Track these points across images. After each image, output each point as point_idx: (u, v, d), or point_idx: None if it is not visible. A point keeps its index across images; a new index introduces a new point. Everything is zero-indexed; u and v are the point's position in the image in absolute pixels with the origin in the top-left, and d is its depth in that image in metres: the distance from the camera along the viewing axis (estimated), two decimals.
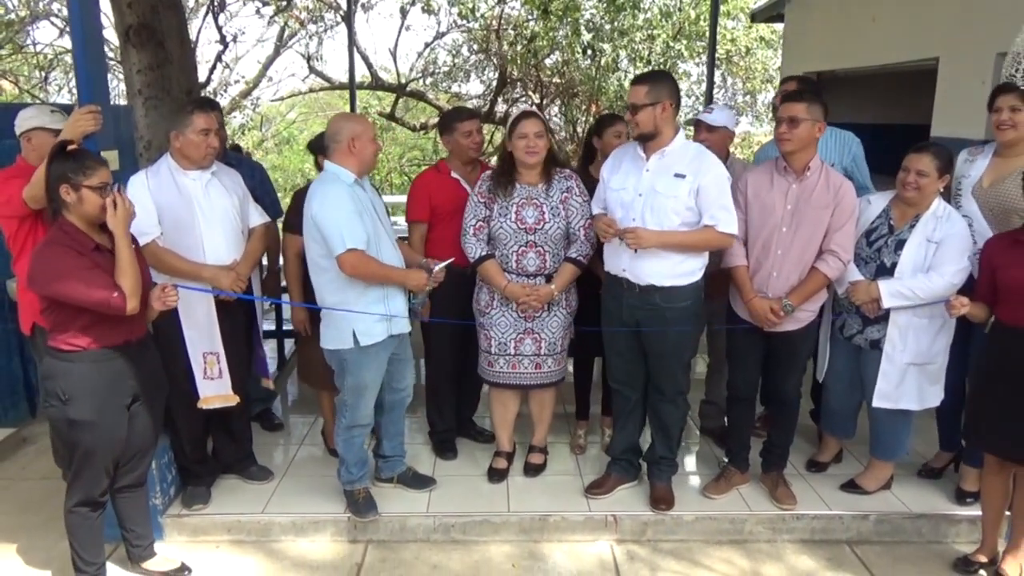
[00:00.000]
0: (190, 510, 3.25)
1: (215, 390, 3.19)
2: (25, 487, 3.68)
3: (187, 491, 3.32)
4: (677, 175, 3.02)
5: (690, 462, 3.82)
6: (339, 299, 3.02)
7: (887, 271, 3.11)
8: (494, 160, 4.40)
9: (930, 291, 3.02)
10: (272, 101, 14.62)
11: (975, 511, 3.23)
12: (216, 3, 10.17)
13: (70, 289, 2.41)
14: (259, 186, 3.86)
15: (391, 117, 12.29)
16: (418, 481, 3.44)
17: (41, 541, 3.21)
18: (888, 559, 3.17)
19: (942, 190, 3.09)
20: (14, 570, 3.05)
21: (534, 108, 4.38)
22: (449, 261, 3.15)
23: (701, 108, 3.68)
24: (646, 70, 10.95)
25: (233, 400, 3.24)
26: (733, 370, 3.41)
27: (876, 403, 3.21)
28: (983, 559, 3.07)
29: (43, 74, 10.80)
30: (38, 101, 10.38)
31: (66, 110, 3.10)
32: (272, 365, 5.14)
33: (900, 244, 3.10)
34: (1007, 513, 3.07)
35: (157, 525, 3.15)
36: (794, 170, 3.10)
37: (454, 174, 3.58)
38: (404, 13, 11.55)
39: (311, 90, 14.11)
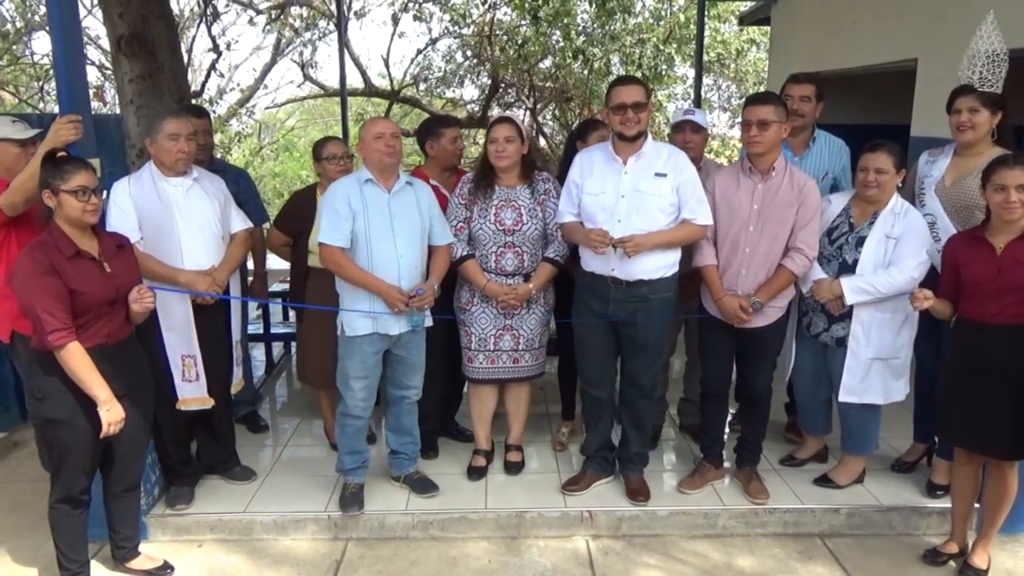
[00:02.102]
0: (174, 510, 3.32)
1: (192, 392, 3.26)
2: (14, 489, 3.75)
3: (171, 491, 3.39)
4: (658, 174, 3.12)
5: (667, 458, 3.88)
6: (340, 289, 3.23)
7: (849, 268, 3.18)
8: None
9: (891, 285, 3.08)
10: (267, 108, 14.73)
11: (945, 503, 3.29)
12: (209, 13, 10.26)
13: (30, 299, 2.49)
14: (243, 192, 3.93)
15: None
16: (421, 485, 3.47)
17: (28, 541, 3.28)
18: (859, 551, 3.22)
19: (900, 185, 3.16)
20: (2, 569, 3.11)
21: (510, 114, 4.46)
22: (424, 288, 3.16)
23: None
24: (637, 74, 11.05)
25: (209, 403, 3.30)
26: (704, 366, 3.48)
27: (842, 397, 3.28)
28: (952, 550, 3.12)
29: (40, 84, 10.91)
30: (36, 111, 10.49)
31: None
32: (260, 369, 5.22)
33: (860, 241, 3.17)
34: (976, 505, 3.13)
35: (141, 525, 3.21)
36: (759, 171, 3.17)
37: (433, 181, 3.65)
38: (396, 20, 11.67)
39: (305, 97, 14.21)
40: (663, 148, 3.21)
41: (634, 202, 3.11)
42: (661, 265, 3.17)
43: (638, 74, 11.16)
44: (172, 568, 3.07)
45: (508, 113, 4.55)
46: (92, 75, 11.86)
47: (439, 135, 3.66)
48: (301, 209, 3.68)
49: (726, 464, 3.63)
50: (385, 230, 3.12)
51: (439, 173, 3.70)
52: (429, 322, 3.31)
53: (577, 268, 3.32)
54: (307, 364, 3.85)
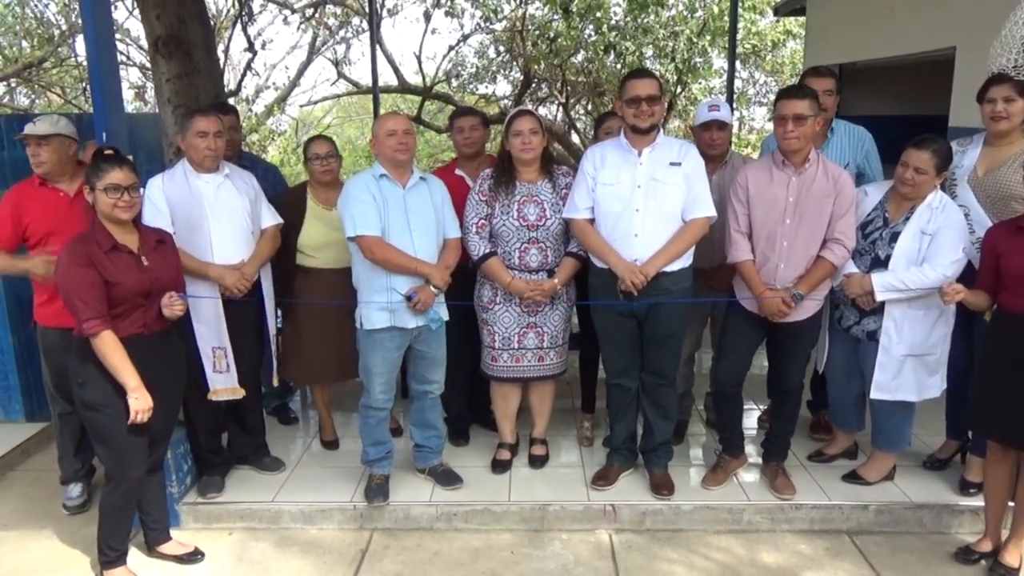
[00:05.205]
0: (205, 498, 3.40)
1: (223, 383, 3.33)
2: (54, 477, 3.84)
3: (202, 480, 3.47)
4: (672, 163, 3.14)
5: (692, 453, 3.85)
6: (358, 282, 3.26)
7: (881, 264, 3.12)
8: None
9: (923, 283, 3.01)
10: (303, 107, 14.92)
11: (978, 502, 3.22)
12: (245, 13, 10.44)
13: (68, 289, 2.62)
14: (272, 188, 3.99)
15: (418, 120, 12.46)
16: (446, 477, 3.51)
17: (68, 526, 3.40)
18: (887, 549, 3.17)
19: (937, 186, 3.09)
20: (41, 554, 3.23)
21: (531, 107, 4.47)
22: (416, 293, 3.17)
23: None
24: (671, 67, 10.95)
25: (239, 393, 3.37)
26: (720, 363, 3.44)
27: (874, 395, 3.22)
28: (985, 549, 3.06)
29: (84, 85, 11.22)
30: (80, 111, 10.79)
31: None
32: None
33: (894, 237, 3.10)
34: (1010, 503, 3.05)
35: (173, 512, 3.30)
36: (793, 163, 3.13)
37: (458, 171, 3.70)
38: (428, 17, 11.72)
39: (337, 96, 14.36)
40: (675, 140, 3.25)
41: (651, 191, 3.11)
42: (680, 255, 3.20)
43: (671, 67, 11.06)
44: (202, 554, 3.15)
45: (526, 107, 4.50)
46: (135, 76, 12.16)
47: (450, 127, 3.85)
48: (291, 206, 3.62)
49: (756, 459, 3.60)
50: (402, 225, 3.15)
51: (464, 163, 3.79)
52: (445, 315, 3.32)
53: (592, 266, 3.31)
54: (293, 360, 3.75)
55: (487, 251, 3.37)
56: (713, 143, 3.52)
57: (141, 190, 2.80)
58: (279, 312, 3.71)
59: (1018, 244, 2.77)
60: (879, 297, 3.07)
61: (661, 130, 3.19)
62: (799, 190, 3.12)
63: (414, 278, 3.17)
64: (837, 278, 3.20)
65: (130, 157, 3.06)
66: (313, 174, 3.64)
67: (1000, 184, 3.08)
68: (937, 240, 3.03)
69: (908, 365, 3.17)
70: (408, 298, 3.14)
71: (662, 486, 3.38)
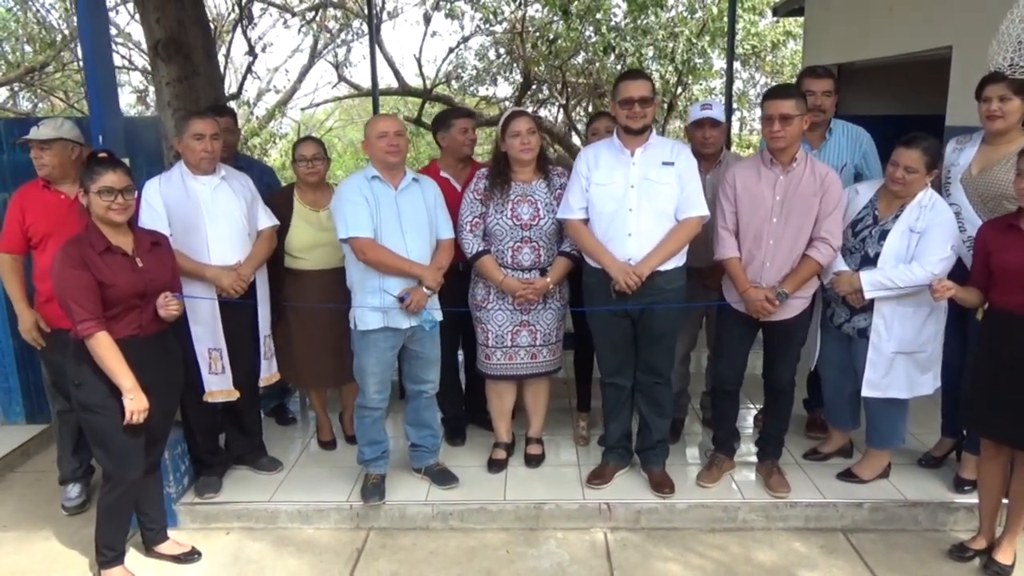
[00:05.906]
0: (202, 498, 3.42)
1: (219, 385, 3.35)
2: (54, 479, 3.86)
3: (200, 480, 3.49)
4: (665, 163, 3.17)
5: (689, 452, 3.86)
6: (352, 284, 3.28)
7: (871, 261, 3.13)
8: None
9: (911, 281, 3.02)
10: (304, 110, 14.97)
11: (973, 499, 3.22)
12: (245, 17, 10.48)
13: (63, 291, 2.64)
14: (267, 189, 4.01)
15: (418, 122, 12.49)
16: (441, 477, 3.52)
17: (67, 528, 3.43)
18: (882, 546, 3.18)
19: (929, 184, 3.09)
20: (39, 555, 3.25)
21: (526, 108, 4.50)
22: (408, 294, 3.19)
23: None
24: (670, 68, 10.96)
25: (234, 395, 3.39)
26: (718, 363, 3.46)
27: (865, 392, 3.23)
28: (980, 546, 3.06)
29: (86, 88, 11.28)
30: (83, 114, 10.84)
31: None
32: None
33: (884, 235, 3.12)
34: (1004, 501, 3.05)
35: (171, 512, 3.33)
36: (780, 162, 3.15)
37: (443, 173, 3.71)
38: (428, 19, 11.75)
39: (339, 98, 14.40)
40: (667, 140, 3.28)
41: (644, 191, 3.14)
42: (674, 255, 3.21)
43: (671, 68, 11.07)
44: (199, 554, 3.17)
45: (520, 108, 4.57)
46: (137, 80, 12.22)
47: (449, 126, 3.74)
48: (278, 209, 3.58)
49: (751, 458, 3.61)
50: (394, 227, 3.17)
51: (452, 164, 3.78)
52: (439, 316, 3.35)
53: (586, 265, 3.33)
54: (293, 365, 3.70)
55: (480, 249, 3.39)
56: (706, 142, 3.53)
57: (136, 192, 2.82)
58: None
59: (1008, 241, 2.78)
60: (867, 295, 3.08)
61: (654, 130, 3.22)
62: (786, 189, 3.13)
63: (407, 279, 3.18)
64: (827, 276, 3.21)
65: (125, 160, 3.10)
66: (299, 176, 3.64)
67: (993, 183, 3.08)
68: (926, 238, 3.04)
69: (899, 362, 3.18)
70: (400, 299, 3.15)
71: (662, 484, 3.39)
